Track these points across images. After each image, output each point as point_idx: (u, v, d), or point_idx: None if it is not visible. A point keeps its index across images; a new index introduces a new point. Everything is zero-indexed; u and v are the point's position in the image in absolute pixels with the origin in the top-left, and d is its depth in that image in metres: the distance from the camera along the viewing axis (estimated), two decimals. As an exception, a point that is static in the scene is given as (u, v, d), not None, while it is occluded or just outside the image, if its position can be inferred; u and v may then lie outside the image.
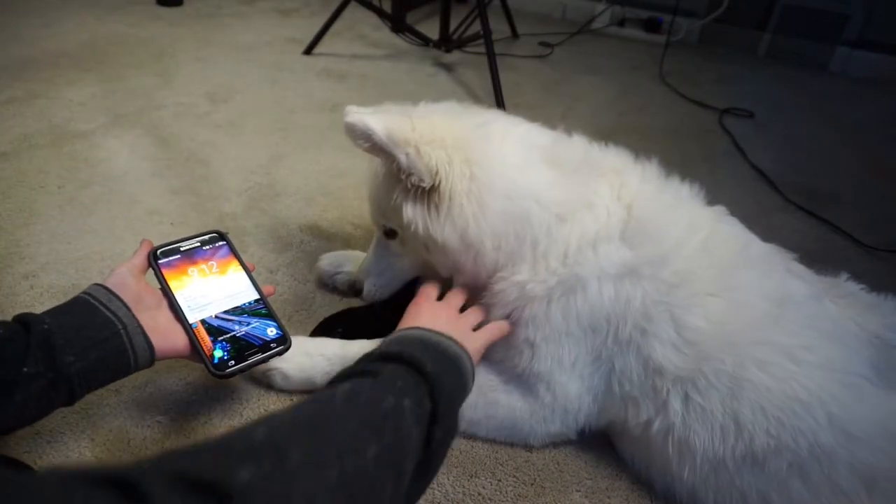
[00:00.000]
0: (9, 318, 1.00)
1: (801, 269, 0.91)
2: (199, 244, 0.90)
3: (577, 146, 0.91)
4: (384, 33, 2.54)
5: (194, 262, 0.88)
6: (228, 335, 0.84)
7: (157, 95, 1.87)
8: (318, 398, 0.56)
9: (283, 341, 0.86)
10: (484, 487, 0.86)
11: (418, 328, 0.77)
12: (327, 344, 0.95)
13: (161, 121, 1.72)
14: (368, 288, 0.98)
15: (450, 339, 0.75)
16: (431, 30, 2.36)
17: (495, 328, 0.85)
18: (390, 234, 0.93)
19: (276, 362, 0.90)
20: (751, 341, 0.78)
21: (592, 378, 0.84)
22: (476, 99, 2.06)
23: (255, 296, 0.89)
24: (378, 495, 0.45)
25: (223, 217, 1.35)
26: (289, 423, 0.45)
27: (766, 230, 0.95)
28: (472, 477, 0.87)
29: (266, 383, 0.94)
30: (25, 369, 0.64)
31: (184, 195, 1.41)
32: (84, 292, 0.76)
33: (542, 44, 2.65)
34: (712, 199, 0.93)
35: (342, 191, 1.49)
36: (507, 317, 0.85)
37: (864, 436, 0.74)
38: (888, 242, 1.46)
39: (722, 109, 2.13)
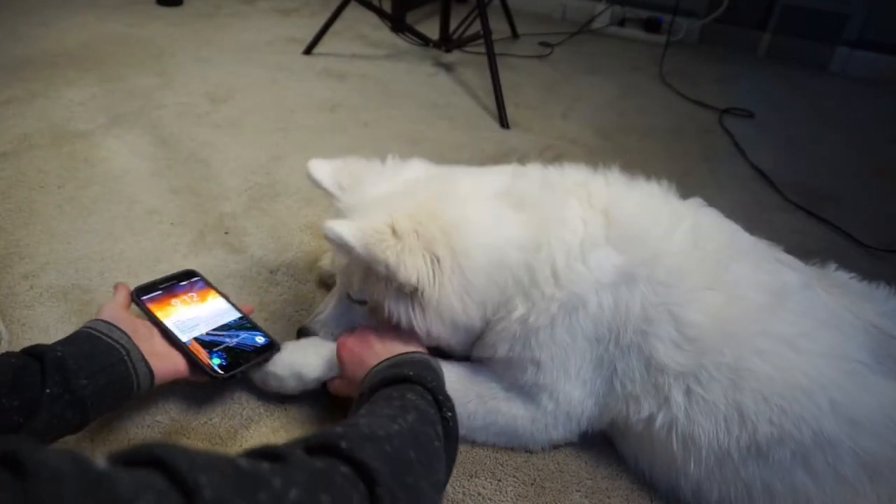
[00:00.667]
0: (9, 317, 1.01)
1: (789, 258, 0.91)
2: (175, 281, 0.98)
3: (533, 176, 0.90)
4: (384, 33, 2.54)
5: (175, 295, 0.95)
6: (222, 346, 0.90)
7: (156, 95, 1.87)
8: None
9: (272, 346, 0.92)
10: (484, 487, 0.86)
11: (375, 367, 0.78)
12: (319, 346, 0.93)
13: (161, 121, 1.72)
14: (325, 338, 0.94)
15: (404, 354, 0.79)
16: (431, 30, 2.36)
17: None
18: (360, 301, 0.88)
19: (269, 367, 0.91)
20: (750, 332, 0.78)
21: (594, 382, 0.84)
22: (476, 99, 2.06)
23: (238, 314, 0.97)
24: (430, 439, 0.60)
25: (223, 217, 1.35)
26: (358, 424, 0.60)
27: (766, 230, 0.95)
28: (472, 477, 0.87)
29: (261, 386, 0.94)
30: (48, 390, 0.68)
31: (183, 195, 1.41)
32: (85, 326, 0.80)
33: (542, 44, 2.65)
34: (713, 200, 0.93)
35: (342, 191, 1.49)
36: (510, 349, 0.84)
37: (867, 424, 0.74)
38: (888, 242, 1.46)
39: (722, 109, 2.13)
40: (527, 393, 0.87)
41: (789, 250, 0.94)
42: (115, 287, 0.91)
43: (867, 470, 0.73)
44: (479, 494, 0.85)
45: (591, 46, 2.74)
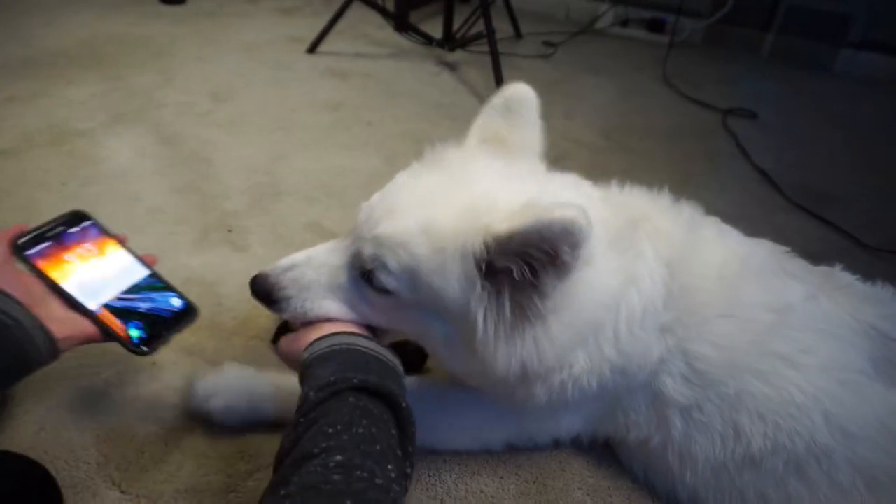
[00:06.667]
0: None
1: (795, 266, 0.89)
2: (63, 228, 0.82)
3: (614, 203, 0.81)
4: (387, 32, 2.54)
5: (68, 248, 0.80)
6: (137, 313, 0.79)
7: (158, 94, 1.87)
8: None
9: (192, 309, 0.83)
10: (486, 485, 0.86)
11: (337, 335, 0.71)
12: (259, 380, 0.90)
13: (162, 119, 1.72)
14: (296, 308, 0.77)
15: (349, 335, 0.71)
16: (435, 29, 2.36)
17: None
18: (379, 287, 0.71)
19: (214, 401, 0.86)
20: (754, 356, 0.78)
21: (592, 409, 0.84)
22: (479, 99, 2.06)
23: (146, 271, 0.85)
24: (385, 425, 0.61)
25: (225, 215, 1.35)
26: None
27: (768, 231, 0.94)
28: (474, 474, 0.87)
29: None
30: None
31: (185, 193, 1.41)
32: None
33: (546, 43, 2.65)
34: (715, 200, 0.93)
35: (344, 189, 1.49)
36: (549, 399, 0.78)
37: (862, 433, 0.74)
38: (891, 243, 1.46)
39: (725, 110, 2.12)
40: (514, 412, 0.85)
41: (790, 251, 0.93)
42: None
43: (864, 477, 0.73)
44: (482, 492, 0.85)
45: (594, 46, 2.74)
